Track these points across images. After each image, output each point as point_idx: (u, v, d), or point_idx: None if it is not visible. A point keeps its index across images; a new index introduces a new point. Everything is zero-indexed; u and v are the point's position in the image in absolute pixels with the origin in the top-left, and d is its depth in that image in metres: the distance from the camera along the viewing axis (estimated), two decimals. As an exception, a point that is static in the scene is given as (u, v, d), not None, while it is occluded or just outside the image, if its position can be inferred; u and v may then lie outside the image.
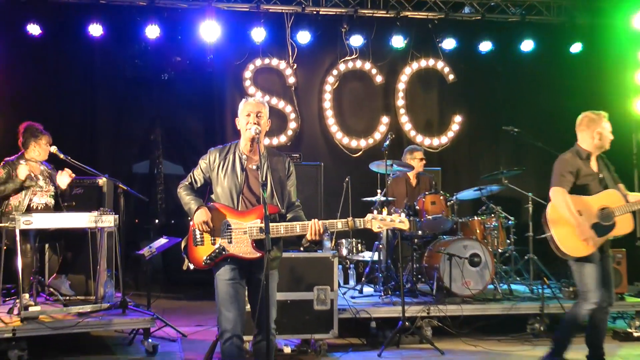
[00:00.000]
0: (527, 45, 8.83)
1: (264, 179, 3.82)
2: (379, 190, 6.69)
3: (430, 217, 6.52)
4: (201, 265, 3.83)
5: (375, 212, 3.82)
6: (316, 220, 3.70)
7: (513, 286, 6.95)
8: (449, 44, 8.84)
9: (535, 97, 8.89)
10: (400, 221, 3.75)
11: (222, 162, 3.95)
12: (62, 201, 5.83)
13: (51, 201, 5.76)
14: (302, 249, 5.43)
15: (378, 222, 3.75)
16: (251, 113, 3.92)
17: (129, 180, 7.81)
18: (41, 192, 5.70)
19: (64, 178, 5.73)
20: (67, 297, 5.84)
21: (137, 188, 6.55)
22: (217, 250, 3.80)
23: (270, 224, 3.67)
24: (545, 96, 8.86)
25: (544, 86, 8.90)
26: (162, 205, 8.70)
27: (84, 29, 7.81)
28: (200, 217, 3.80)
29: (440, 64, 9.04)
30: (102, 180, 6.46)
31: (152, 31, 7.88)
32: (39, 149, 5.73)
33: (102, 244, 5.74)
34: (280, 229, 3.73)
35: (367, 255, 7.05)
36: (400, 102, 9.02)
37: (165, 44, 8.13)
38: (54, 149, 5.68)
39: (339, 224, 3.72)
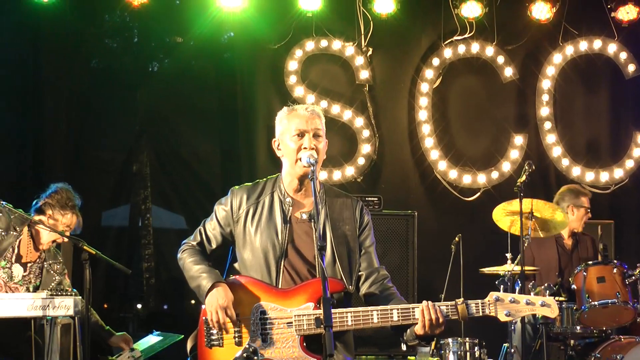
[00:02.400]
0: None
1: (321, 237, 3.72)
2: (509, 256, 6.47)
3: (596, 302, 6.29)
4: (219, 382, 3.90)
5: (502, 289, 4.00)
6: (429, 303, 3.68)
7: None
8: (627, 12, 8.52)
9: None
10: (545, 304, 3.68)
11: (253, 210, 3.98)
12: None
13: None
14: (404, 347, 5.48)
15: (507, 305, 3.69)
16: (304, 131, 3.90)
17: (97, 237, 7.72)
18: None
19: None
20: None
21: (110, 251, 7.06)
22: (244, 355, 3.68)
23: (334, 311, 3.62)
24: None
25: None
26: (149, 280, 8.30)
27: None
28: (216, 300, 3.79)
29: (612, 47, 8.69)
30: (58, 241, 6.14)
31: (136, -7, 7.84)
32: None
33: (52, 343, 5.44)
34: (347, 317, 3.74)
35: (490, 366, 6.97)
36: (544, 110, 8.57)
37: (155, 15, 8.00)
38: None
39: (443, 310, 3.68)
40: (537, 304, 3.73)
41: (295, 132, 3.91)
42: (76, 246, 5.41)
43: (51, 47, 7.94)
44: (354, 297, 4.00)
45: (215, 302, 3.81)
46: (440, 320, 3.69)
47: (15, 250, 5.61)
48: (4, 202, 5.55)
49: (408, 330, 3.81)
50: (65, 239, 5.93)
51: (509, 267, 6.46)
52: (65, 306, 5.27)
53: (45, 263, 5.86)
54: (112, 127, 8.28)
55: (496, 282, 6.31)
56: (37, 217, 5.78)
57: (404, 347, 5.78)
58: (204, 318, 3.91)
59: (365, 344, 5.99)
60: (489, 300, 3.74)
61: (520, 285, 6.11)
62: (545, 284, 6.29)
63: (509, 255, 6.50)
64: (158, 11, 7.94)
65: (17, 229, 5.67)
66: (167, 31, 8.29)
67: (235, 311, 3.83)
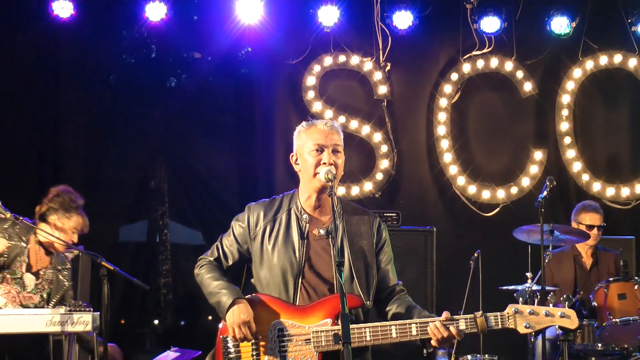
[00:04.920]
0: None
1: (339, 253, 3.77)
2: (529, 275, 6.40)
3: (617, 320, 6.18)
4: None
5: (521, 302, 4.05)
6: (437, 323, 3.67)
7: None
8: (647, 25, 8.49)
9: None
10: (564, 316, 3.71)
11: (270, 227, 4.00)
12: None
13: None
14: (425, 353, 5.17)
15: (526, 317, 3.71)
16: (323, 146, 3.95)
17: (114, 252, 7.82)
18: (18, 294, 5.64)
19: None
20: None
21: (128, 266, 7.12)
22: None
23: (352, 326, 3.67)
24: None
25: None
26: (167, 296, 8.41)
27: (46, 6, 7.71)
28: (237, 316, 3.79)
29: (633, 62, 8.59)
30: (72, 255, 6.15)
31: (155, 10, 7.75)
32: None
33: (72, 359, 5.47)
34: (366, 333, 3.72)
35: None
36: (564, 125, 8.53)
37: (174, 31, 8.00)
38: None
39: (462, 323, 3.68)
40: (557, 315, 3.73)
41: (314, 147, 3.91)
42: (94, 262, 5.43)
43: (69, 63, 7.91)
44: (371, 312, 3.97)
45: (238, 318, 3.78)
46: (455, 336, 3.69)
47: (26, 261, 5.59)
48: (9, 212, 5.48)
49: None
50: (77, 252, 5.94)
51: (529, 286, 6.37)
52: (84, 322, 5.23)
53: (54, 269, 5.85)
54: (130, 142, 8.19)
55: (515, 295, 6.25)
56: (42, 224, 5.73)
57: (424, 352, 5.67)
58: (221, 336, 3.89)
59: (382, 357, 5.94)
60: (508, 313, 3.73)
61: (539, 299, 6.06)
62: (565, 295, 6.07)
63: (529, 274, 6.47)
64: (176, 27, 7.90)
65: (24, 238, 5.65)
66: (184, 47, 8.28)
67: (254, 327, 3.82)
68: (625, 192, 8.40)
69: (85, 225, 5.85)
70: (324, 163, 3.87)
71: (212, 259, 4.06)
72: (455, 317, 3.71)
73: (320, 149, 3.90)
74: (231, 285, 3.93)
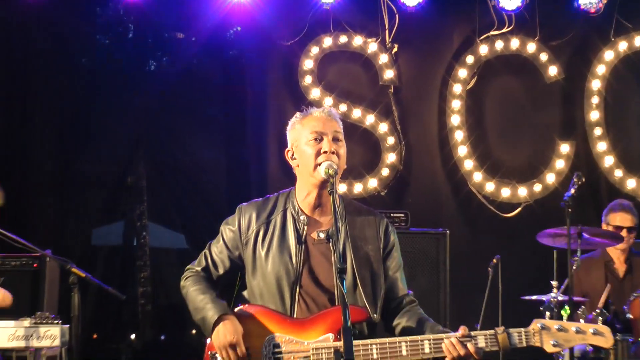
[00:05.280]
0: None
1: (341, 259, 3.66)
2: (554, 283, 6.24)
3: None
4: None
5: (547, 316, 4.12)
6: (453, 339, 3.62)
7: None
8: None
9: None
10: (597, 333, 3.64)
11: (264, 230, 3.95)
12: None
13: None
14: None
15: (554, 334, 3.67)
16: (321, 133, 3.90)
17: (87, 257, 7.87)
18: None
19: None
20: None
21: (101, 273, 7.23)
22: None
23: (356, 342, 3.62)
24: None
25: None
26: (145, 306, 8.25)
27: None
28: (225, 336, 3.74)
29: None
30: (39, 260, 6.45)
31: (132, -14, 8.03)
32: None
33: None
34: (372, 350, 3.73)
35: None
36: (594, 114, 8.33)
37: (153, 8, 8.06)
38: None
39: (481, 340, 3.62)
40: (589, 332, 3.63)
41: (312, 136, 3.87)
42: (63, 268, 5.19)
43: (37, 44, 7.95)
44: (378, 327, 3.94)
45: (224, 339, 3.72)
46: (473, 355, 3.65)
47: None
48: None
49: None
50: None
51: (555, 296, 6.16)
52: (51, 336, 5.32)
53: None
54: (105, 134, 8.26)
55: (540, 308, 6.02)
56: None
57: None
58: (209, 352, 3.83)
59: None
60: (533, 329, 3.65)
61: (568, 311, 5.95)
62: (598, 310, 5.83)
63: (554, 283, 6.24)
64: (156, 3, 7.99)
65: None
66: (166, 26, 8.32)
67: (245, 345, 3.74)
68: (661, 188, 8.38)
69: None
70: (325, 152, 3.81)
71: (199, 268, 4.03)
72: (474, 333, 3.65)
73: (320, 137, 3.86)
74: (217, 300, 3.90)
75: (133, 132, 8.31)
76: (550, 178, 8.13)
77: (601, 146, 8.21)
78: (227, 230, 4.01)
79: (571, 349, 6.08)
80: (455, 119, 8.20)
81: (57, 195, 7.90)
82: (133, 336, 8.21)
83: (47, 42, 7.94)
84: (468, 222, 8.20)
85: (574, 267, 6.20)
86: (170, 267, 7.78)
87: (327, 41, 8.11)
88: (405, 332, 3.85)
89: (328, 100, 8.03)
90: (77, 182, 8.11)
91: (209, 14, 7.96)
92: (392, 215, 6.71)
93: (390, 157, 8.08)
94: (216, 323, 3.77)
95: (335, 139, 3.89)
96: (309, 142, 3.88)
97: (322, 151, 3.83)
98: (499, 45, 8.22)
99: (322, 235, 3.88)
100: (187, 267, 4.07)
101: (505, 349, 3.66)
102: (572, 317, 6.08)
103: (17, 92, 7.95)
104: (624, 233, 6.70)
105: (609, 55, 8.28)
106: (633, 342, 5.97)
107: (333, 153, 3.84)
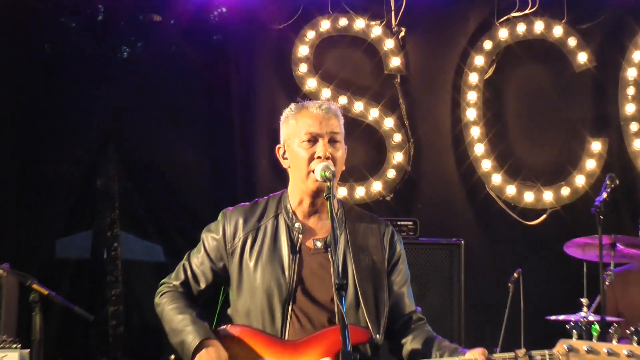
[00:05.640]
0: None
1: (339, 272, 3.53)
2: (584, 301, 6.22)
3: None
4: None
5: (575, 336, 3.74)
6: (480, 351, 3.53)
7: None
8: None
9: None
10: (632, 355, 3.53)
11: (252, 238, 3.87)
12: None
13: None
14: None
15: (583, 357, 3.60)
16: (317, 135, 3.82)
17: (50, 272, 7.59)
18: None
19: None
20: None
21: (67, 291, 7.21)
22: None
23: None
24: None
25: None
26: (117, 328, 7.93)
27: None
28: None
29: None
30: None
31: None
32: None
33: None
34: None
35: None
36: (630, 107, 8.02)
37: None
38: None
39: None
40: (623, 353, 3.51)
41: (306, 137, 3.78)
42: (23, 284, 5.37)
43: None
44: (382, 349, 3.84)
45: None
46: None
47: None
48: None
49: None
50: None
51: (584, 315, 5.97)
52: None
53: None
54: (70, 130, 7.88)
55: (567, 327, 5.59)
56: None
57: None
58: None
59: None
60: (559, 351, 3.53)
61: (599, 330, 5.49)
62: (633, 328, 5.63)
63: (584, 300, 6.05)
64: None
65: None
66: (141, 7, 8.08)
67: None
68: None
69: None
70: (319, 157, 3.73)
71: (177, 283, 3.90)
72: (493, 356, 3.54)
73: (314, 139, 3.77)
74: (198, 321, 3.76)
75: (102, 128, 7.98)
76: (580, 180, 7.78)
77: (637, 144, 7.81)
78: (210, 239, 3.89)
79: (601, 371, 6.19)
80: (471, 113, 7.86)
81: (14, 201, 7.74)
82: (103, 362, 8.15)
83: (4, 22, 7.58)
84: (486, 231, 7.92)
85: (607, 283, 6.09)
86: (144, 283, 7.52)
87: (325, 24, 7.79)
88: (413, 354, 3.79)
89: (326, 92, 7.70)
90: (38, 186, 7.76)
91: (191, -5, 7.70)
92: (398, 223, 6.64)
93: (397, 157, 7.78)
94: (197, 349, 3.65)
95: (332, 140, 3.81)
96: (302, 143, 3.81)
97: (315, 156, 3.76)
98: (521, 28, 7.86)
99: (319, 244, 3.78)
100: (163, 280, 3.94)
101: None
102: (603, 337, 5.61)
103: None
104: None
105: (646, 40, 7.90)
106: (675, 364, 5.79)
107: (328, 158, 3.76)
